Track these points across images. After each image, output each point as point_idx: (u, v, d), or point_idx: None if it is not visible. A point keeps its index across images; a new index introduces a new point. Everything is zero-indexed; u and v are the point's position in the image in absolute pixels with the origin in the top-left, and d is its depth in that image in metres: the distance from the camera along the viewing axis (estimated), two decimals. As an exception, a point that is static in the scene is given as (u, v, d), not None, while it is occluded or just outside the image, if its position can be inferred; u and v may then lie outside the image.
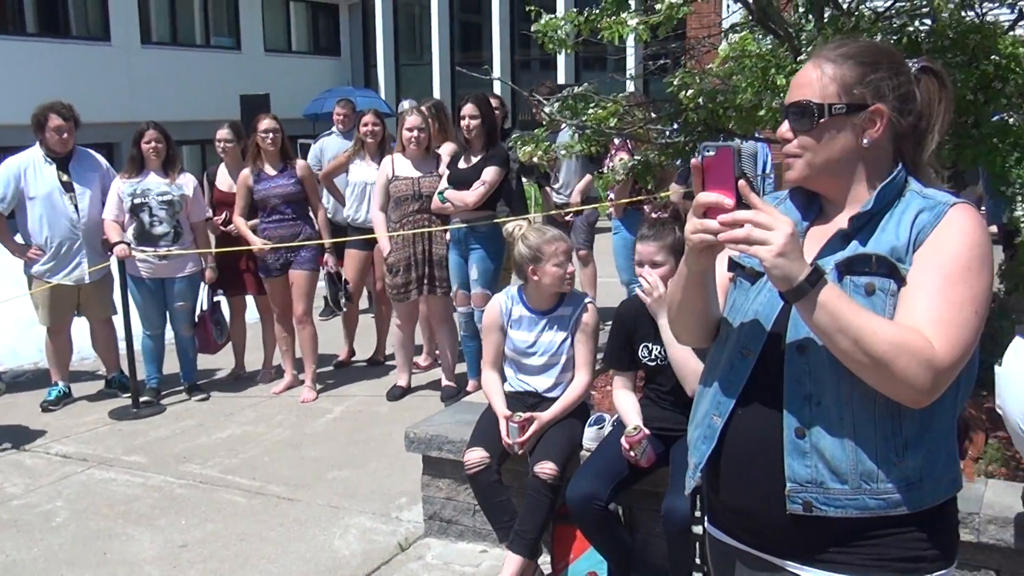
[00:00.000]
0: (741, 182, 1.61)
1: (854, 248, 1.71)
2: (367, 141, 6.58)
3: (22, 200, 6.10)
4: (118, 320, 6.38)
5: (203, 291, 6.51)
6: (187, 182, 6.25)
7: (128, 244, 6.03)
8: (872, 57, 1.73)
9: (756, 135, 4.57)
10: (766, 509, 1.76)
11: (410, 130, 5.97)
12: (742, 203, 1.60)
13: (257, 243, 6.20)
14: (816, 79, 1.73)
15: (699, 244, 1.67)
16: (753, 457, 1.78)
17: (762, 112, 3.75)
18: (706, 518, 1.98)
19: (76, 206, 6.14)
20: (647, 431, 3.37)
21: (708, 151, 1.64)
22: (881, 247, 1.68)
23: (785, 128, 1.76)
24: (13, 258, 6.36)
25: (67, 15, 19.59)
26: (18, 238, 6.26)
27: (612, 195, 6.61)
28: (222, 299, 6.72)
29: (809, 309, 1.58)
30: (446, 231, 5.94)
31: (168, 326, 6.41)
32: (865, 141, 1.72)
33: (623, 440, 3.36)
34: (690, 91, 4.16)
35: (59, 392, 6.39)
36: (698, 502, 1.97)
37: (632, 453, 3.33)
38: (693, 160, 1.65)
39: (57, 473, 5.13)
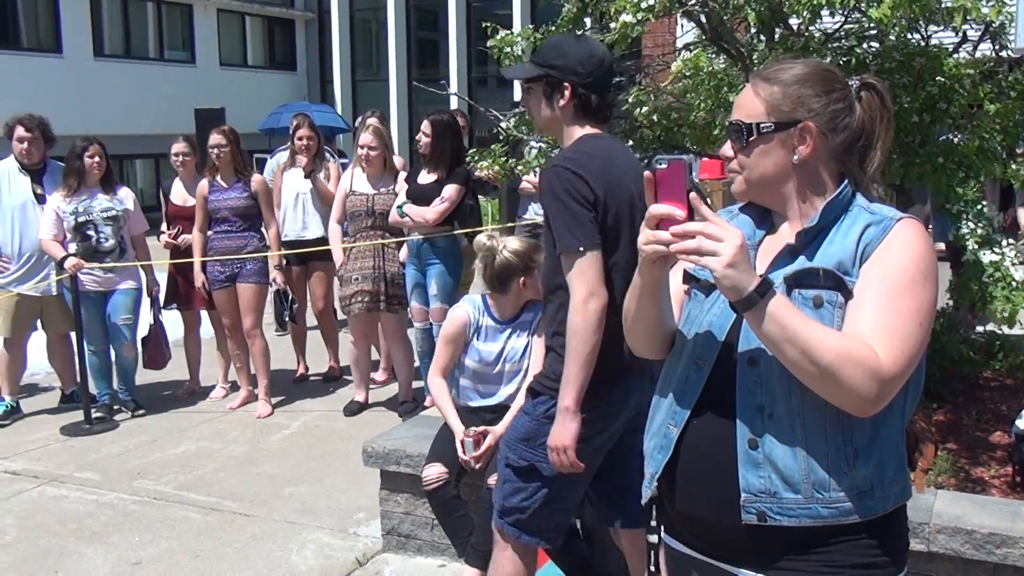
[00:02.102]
0: (692, 194, 1.65)
1: (802, 262, 1.76)
2: (299, 156, 6.65)
3: None
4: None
5: (147, 306, 6.46)
6: (127, 196, 6.25)
7: (76, 255, 5.96)
8: (804, 76, 1.80)
9: (707, 153, 4.64)
10: (720, 518, 1.79)
11: (361, 147, 6.00)
12: (694, 215, 1.64)
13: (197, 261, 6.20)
14: (749, 99, 1.81)
15: (652, 255, 1.70)
16: (707, 467, 1.81)
17: (716, 131, 3.81)
18: (662, 528, 2.01)
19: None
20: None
21: (660, 164, 1.68)
22: (828, 261, 1.73)
23: (727, 147, 1.84)
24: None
25: (17, 26, 19.35)
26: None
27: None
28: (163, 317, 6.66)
29: (758, 320, 1.62)
30: (398, 248, 5.95)
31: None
32: (795, 157, 1.78)
33: None
34: (645, 108, 4.23)
35: (7, 407, 6.29)
36: (653, 512, 1.99)
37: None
38: (646, 173, 1.69)
39: (6, 491, 5.04)
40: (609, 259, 2.70)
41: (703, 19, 4.30)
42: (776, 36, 4.01)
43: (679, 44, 4.99)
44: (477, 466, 3.72)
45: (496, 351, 3.89)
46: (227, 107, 17.43)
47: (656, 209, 1.66)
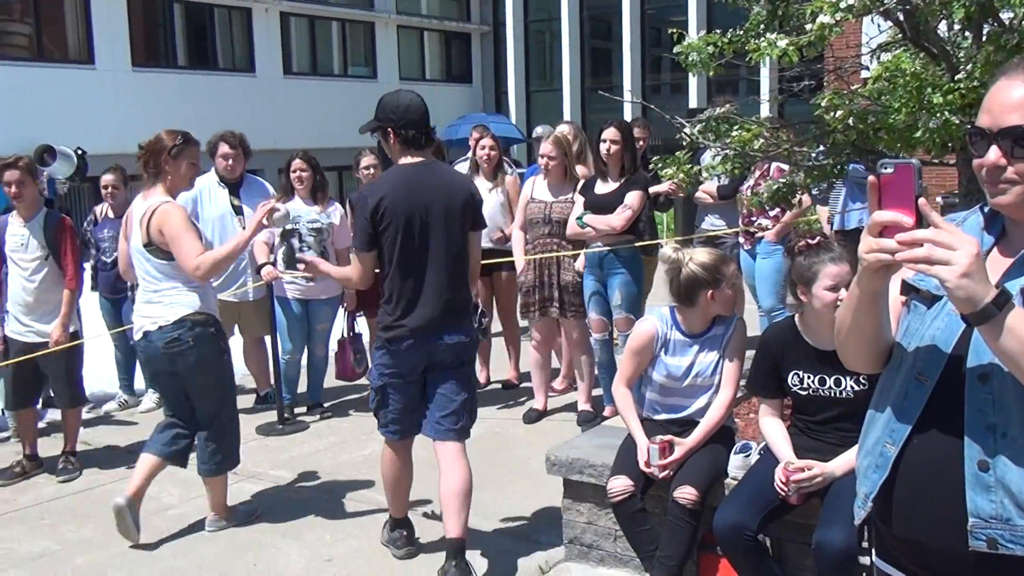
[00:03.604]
0: (921, 200, 1.56)
1: None
2: (484, 165, 6.73)
3: (197, 221, 6.42)
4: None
5: (343, 317, 6.69)
6: (334, 210, 6.49)
7: (273, 265, 6.25)
8: None
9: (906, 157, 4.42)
10: (943, 543, 1.69)
11: (541, 157, 6.06)
12: (922, 222, 1.55)
13: None
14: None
15: (874, 264, 1.61)
16: (929, 488, 1.71)
17: (918, 133, 3.62)
18: (874, 551, 1.91)
19: (244, 228, 6.43)
20: (812, 473, 3.24)
21: (886, 168, 1.59)
22: None
23: (997, 154, 1.64)
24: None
25: (215, 49, 20.61)
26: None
27: (750, 219, 6.46)
28: (363, 332, 6.88)
29: (995, 334, 1.51)
30: (574, 257, 5.95)
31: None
32: None
33: (780, 473, 3.26)
34: (839, 112, 4.06)
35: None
36: (865, 533, 1.89)
37: (787, 488, 3.23)
38: (870, 178, 1.61)
39: (209, 485, 5.33)
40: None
41: (901, 18, 4.11)
42: (984, 33, 3.78)
43: (873, 44, 4.77)
44: (661, 475, 3.67)
45: (685, 365, 3.82)
46: (407, 120, 17.95)
47: (880, 216, 1.58)
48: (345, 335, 6.69)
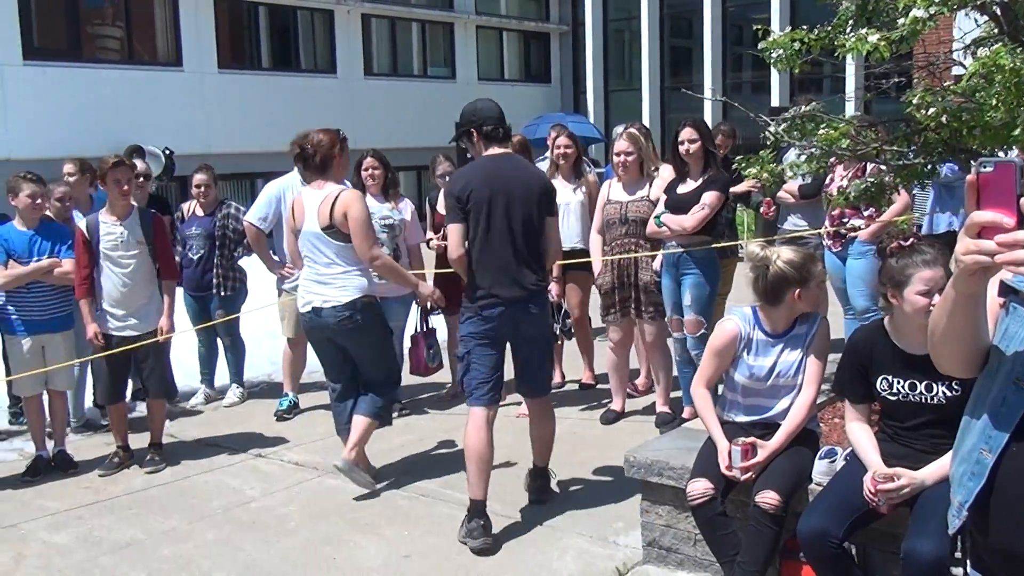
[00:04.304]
0: (1023, 200, 1.50)
1: None
2: (560, 163, 6.67)
3: (280, 220, 6.55)
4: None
5: (416, 313, 6.73)
6: (406, 207, 6.55)
7: None
8: None
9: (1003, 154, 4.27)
10: (1044, 556, 1.63)
11: (617, 155, 6.01)
12: (1023, 223, 1.49)
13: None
14: None
15: (972, 266, 1.56)
16: (1030, 498, 1.64)
17: (1017, 131, 3.50)
18: (968, 561, 1.85)
19: None
20: (901, 483, 3.15)
21: (985, 167, 1.54)
22: None
23: None
24: (265, 273, 6.95)
25: (298, 51, 20.97)
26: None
27: (833, 219, 6.30)
28: (436, 327, 6.91)
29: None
30: (652, 257, 5.89)
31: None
32: None
33: (868, 482, 3.18)
34: (931, 110, 3.94)
35: (290, 402, 6.79)
36: (958, 543, 1.83)
37: (876, 498, 3.15)
38: (968, 177, 1.56)
39: (291, 479, 5.43)
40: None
41: (998, 12, 3.98)
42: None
43: (967, 40, 4.63)
44: (744, 478, 3.61)
45: (768, 366, 3.75)
46: (486, 120, 18.01)
47: (979, 216, 1.52)
48: (418, 330, 6.73)
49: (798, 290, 3.68)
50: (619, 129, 8.00)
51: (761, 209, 7.00)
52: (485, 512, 4.44)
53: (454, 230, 4.56)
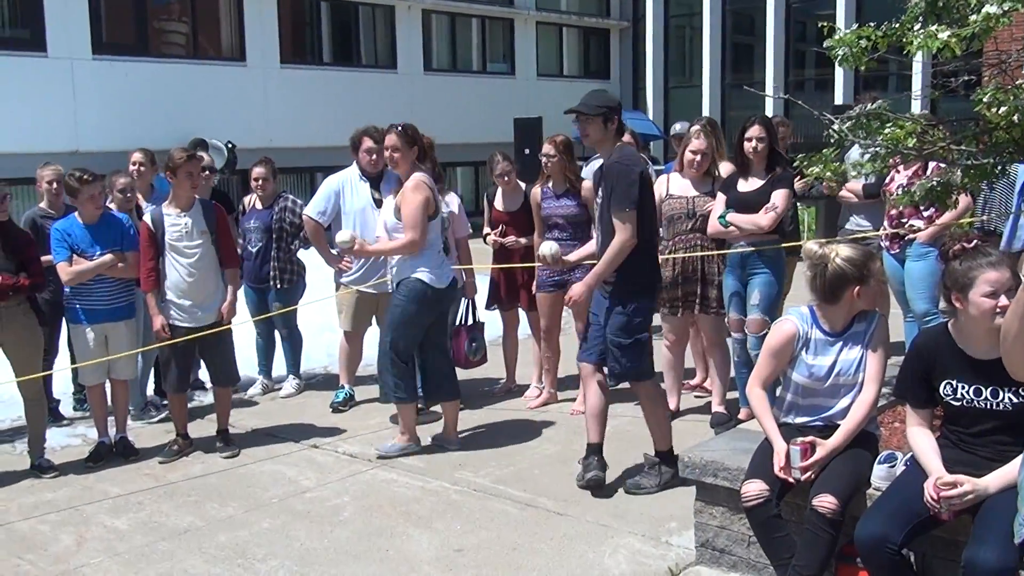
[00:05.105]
0: None
1: None
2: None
3: (338, 214, 6.61)
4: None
5: (464, 305, 6.74)
6: (452, 200, 6.57)
7: None
8: None
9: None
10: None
11: (695, 152, 5.94)
12: None
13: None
14: None
15: None
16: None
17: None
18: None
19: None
20: (964, 489, 3.06)
21: None
22: None
23: None
24: (323, 266, 7.01)
25: (359, 46, 21.14)
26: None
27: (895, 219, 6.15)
28: (484, 320, 6.91)
29: None
30: (721, 256, 5.83)
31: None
32: None
33: (930, 488, 3.11)
34: (1003, 108, 3.84)
35: (346, 394, 6.85)
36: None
37: (938, 504, 3.08)
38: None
39: (345, 471, 5.47)
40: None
41: (1074, 7, 3.85)
42: None
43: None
44: (804, 477, 3.55)
45: (827, 365, 3.69)
46: (544, 116, 18.00)
47: None
48: (462, 322, 6.74)
49: (857, 288, 3.62)
50: (677, 127, 7.92)
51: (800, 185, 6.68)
52: (600, 449, 5.02)
53: (633, 217, 4.76)
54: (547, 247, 5.70)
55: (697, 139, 5.95)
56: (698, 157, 5.91)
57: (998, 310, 3.06)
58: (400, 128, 5.62)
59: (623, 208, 4.76)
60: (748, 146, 5.61)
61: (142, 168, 6.86)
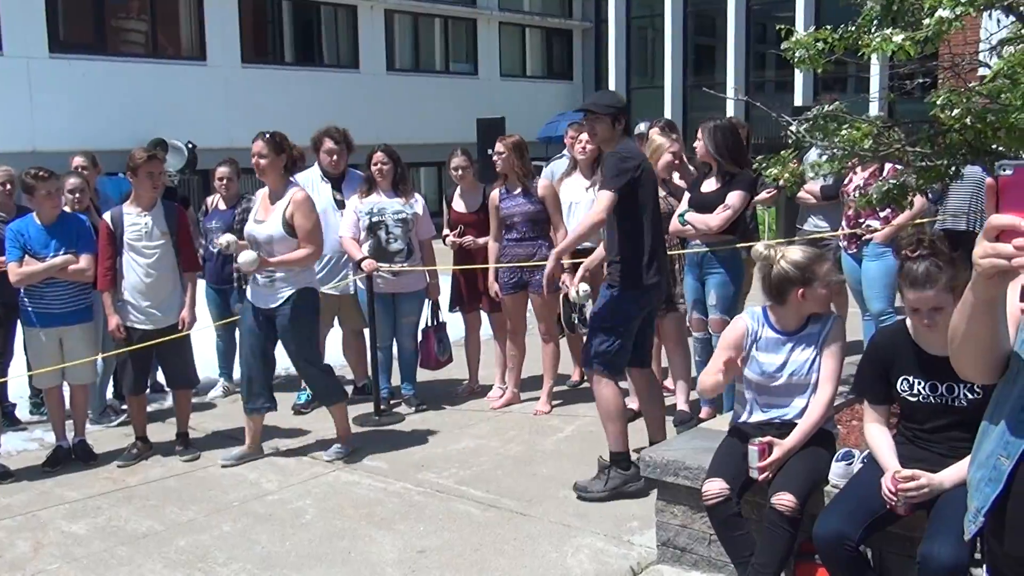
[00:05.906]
0: None
1: None
2: (580, 161, 6.66)
3: None
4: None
5: (427, 307, 6.75)
6: (417, 201, 6.57)
7: (369, 256, 6.34)
8: None
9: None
10: (1061, 564, 1.61)
11: (674, 154, 6.06)
12: None
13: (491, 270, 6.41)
14: None
15: (989, 270, 1.54)
16: (1047, 506, 1.62)
17: (1041, 132, 3.46)
18: (984, 567, 1.83)
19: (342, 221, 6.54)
20: (920, 483, 3.12)
21: (1004, 170, 1.52)
22: None
23: None
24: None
25: (321, 46, 21.03)
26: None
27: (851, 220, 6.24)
28: (447, 320, 6.92)
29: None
30: (682, 254, 5.88)
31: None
32: None
33: (888, 481, 3.16)
34: (955, 111, 3.91)
35: (308, 396, 6.80)
36: (978, 546, 1.81)
37: (896, 498, 3.13)
38: (988, 180, 1.54)
39: (307, 473, 5.44)
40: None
41: (1024, 12, 3.94)
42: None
43: (994, 40, 4.58)
44: (760, 477, 3.59)
45: (778, 363, 3.75)
46: (507, 116, 18.02)
47: (997, 220, 1.51)
48: (429, 324, 6.74)
49: (801, 290, 3.68)
50: (641, 127, 7.94)
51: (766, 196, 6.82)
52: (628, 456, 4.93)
53: (611, 199, 4.68)
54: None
55: (673, 146, 6.08)
56: (675, 161, 6.02)
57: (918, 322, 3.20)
58: (268, 136, 5.48)
59: (604, 187, 4.75)
60: (699, 148, 5.70)
61: (84, 171, 6.79)
